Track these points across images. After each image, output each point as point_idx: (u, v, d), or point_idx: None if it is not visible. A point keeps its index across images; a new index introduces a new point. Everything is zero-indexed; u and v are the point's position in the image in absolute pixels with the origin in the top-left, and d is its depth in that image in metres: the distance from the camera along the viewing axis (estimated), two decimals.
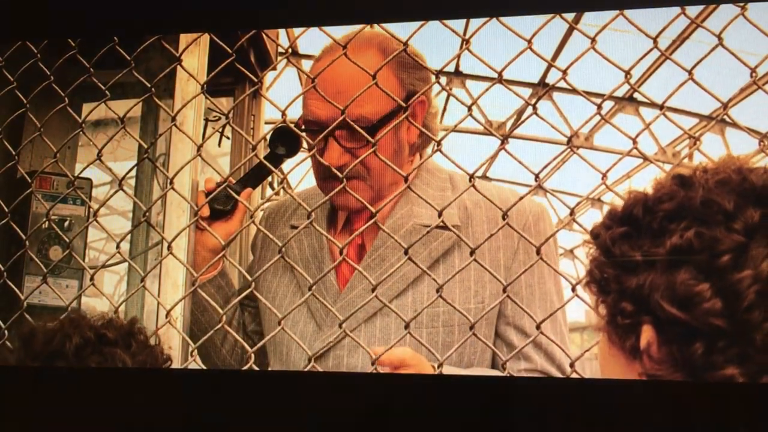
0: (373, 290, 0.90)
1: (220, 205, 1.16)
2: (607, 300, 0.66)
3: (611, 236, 0.65)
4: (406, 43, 0.95)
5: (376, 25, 1.05)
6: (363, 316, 1.05)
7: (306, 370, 0.95)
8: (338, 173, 0.98)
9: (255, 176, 1.22)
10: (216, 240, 1.08)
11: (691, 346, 0.58)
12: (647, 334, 0.61)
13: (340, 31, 1.05)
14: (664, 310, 0.59)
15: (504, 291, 0.92)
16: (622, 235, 0.64)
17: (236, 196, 1.13)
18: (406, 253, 0.90)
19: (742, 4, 0.83)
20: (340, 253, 0.94)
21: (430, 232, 0.96)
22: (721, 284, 0.58)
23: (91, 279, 1.07)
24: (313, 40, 1.04)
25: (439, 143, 0.94)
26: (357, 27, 1.02)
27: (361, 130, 0.97)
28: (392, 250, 1.06)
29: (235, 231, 1.17)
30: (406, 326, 0.88)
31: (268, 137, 1.17)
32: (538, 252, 0.89)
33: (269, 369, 1.16)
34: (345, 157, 1.04)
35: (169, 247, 1.04)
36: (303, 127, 1.10)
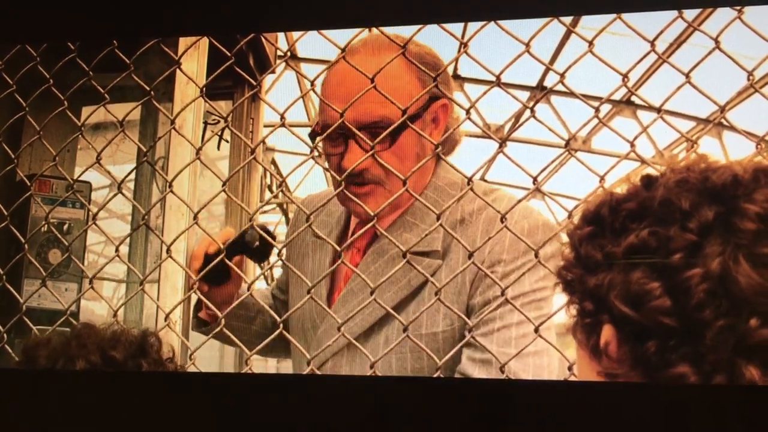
0: (339, 328, 0.90)
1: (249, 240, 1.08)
2: (574, 300, 0.66)
3: (579, 237, 0.65)
4: (404, 47, 0.95)
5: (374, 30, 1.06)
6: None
7: (304, 373, 0.96)
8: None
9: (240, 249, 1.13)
10: (228, 290, 1.09)
11: (644, 344, 0.58)
12: (606, 333, 0.61)
13: (339, 34, 1.06)
14: (618, 308, 0.59)
15: (504, 295, 0.91)
16: (588, 235, 0.64)
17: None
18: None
19: (739, 8, 0.83)
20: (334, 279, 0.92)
21: (412, 259, 0.91)
22: (671, 282, 0.57)
23: (90, 282, 1.07)
24: (311, 43, 1.04)
25: (437, 147, 0.94)
26: (366, 31, 1.01)
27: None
28: (374, 277, 1.00)
29: (234, 293, 1.13)
30: (371, 366, 0.88)
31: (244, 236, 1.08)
32: (536, 255, 0.89)
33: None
34: (366, 161, 0.98)
35: (168, 250, 1.04)
36: (320, 132, 1.04)
